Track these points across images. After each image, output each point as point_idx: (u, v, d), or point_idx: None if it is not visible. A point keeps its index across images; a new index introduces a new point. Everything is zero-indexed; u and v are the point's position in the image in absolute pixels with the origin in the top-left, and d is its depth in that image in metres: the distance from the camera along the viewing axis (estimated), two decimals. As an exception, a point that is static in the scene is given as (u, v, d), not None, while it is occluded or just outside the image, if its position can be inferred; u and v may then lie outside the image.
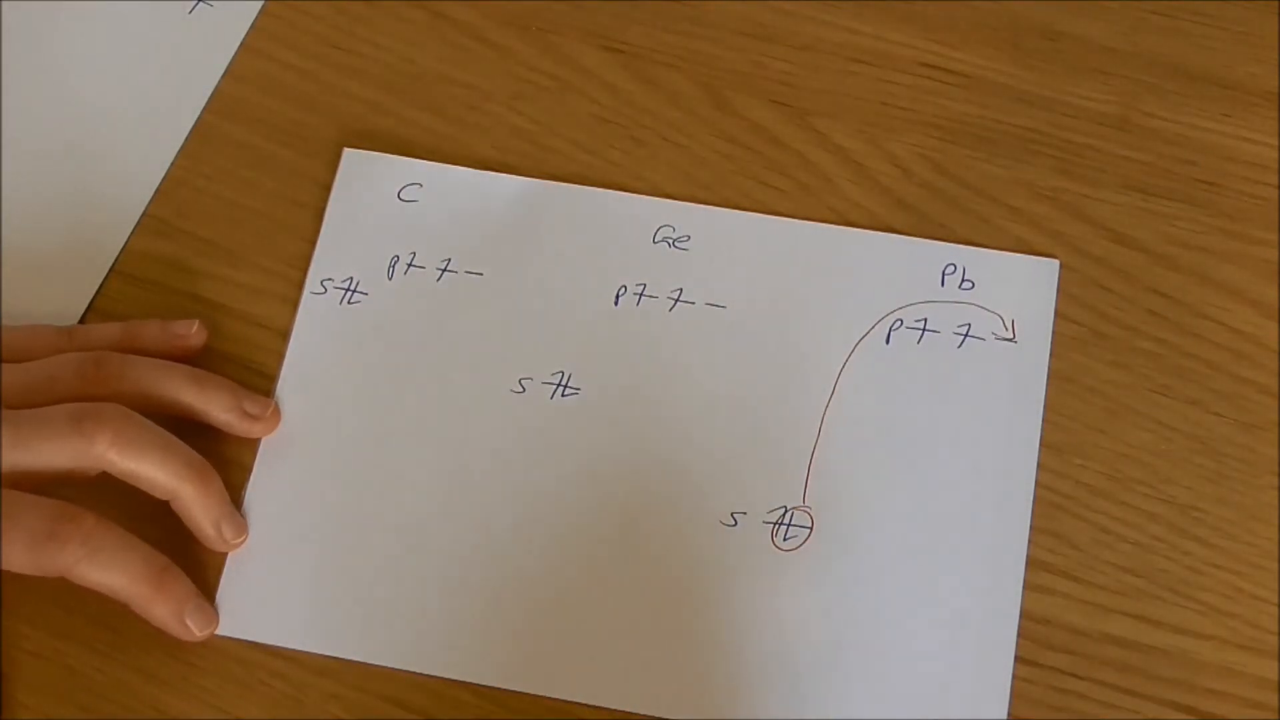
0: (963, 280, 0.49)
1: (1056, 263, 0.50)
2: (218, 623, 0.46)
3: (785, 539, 0.46)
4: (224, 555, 0.47)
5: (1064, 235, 0.50)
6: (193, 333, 0.49)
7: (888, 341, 0.49)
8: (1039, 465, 0.47)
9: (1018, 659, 0.44)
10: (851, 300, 0.49)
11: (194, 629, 0.45)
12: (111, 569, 0.44)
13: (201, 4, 0.57)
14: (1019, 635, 0.44)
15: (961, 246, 0.50)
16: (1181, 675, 0.44)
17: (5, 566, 0.44)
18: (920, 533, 0.46)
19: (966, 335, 0.49)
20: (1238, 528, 0.46)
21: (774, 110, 0.53)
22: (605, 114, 0.54)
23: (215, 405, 0.47)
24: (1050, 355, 0.48)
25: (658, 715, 0.44)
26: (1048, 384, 0.48)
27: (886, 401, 0.48)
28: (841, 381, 0.48)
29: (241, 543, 0.47)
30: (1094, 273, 0.50)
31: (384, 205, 0.52)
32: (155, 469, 0.45)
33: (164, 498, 0.45)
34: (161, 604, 0.44)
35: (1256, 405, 0.47)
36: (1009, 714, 0.44)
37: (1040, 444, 0.47)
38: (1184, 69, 0.53)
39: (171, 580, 0.45)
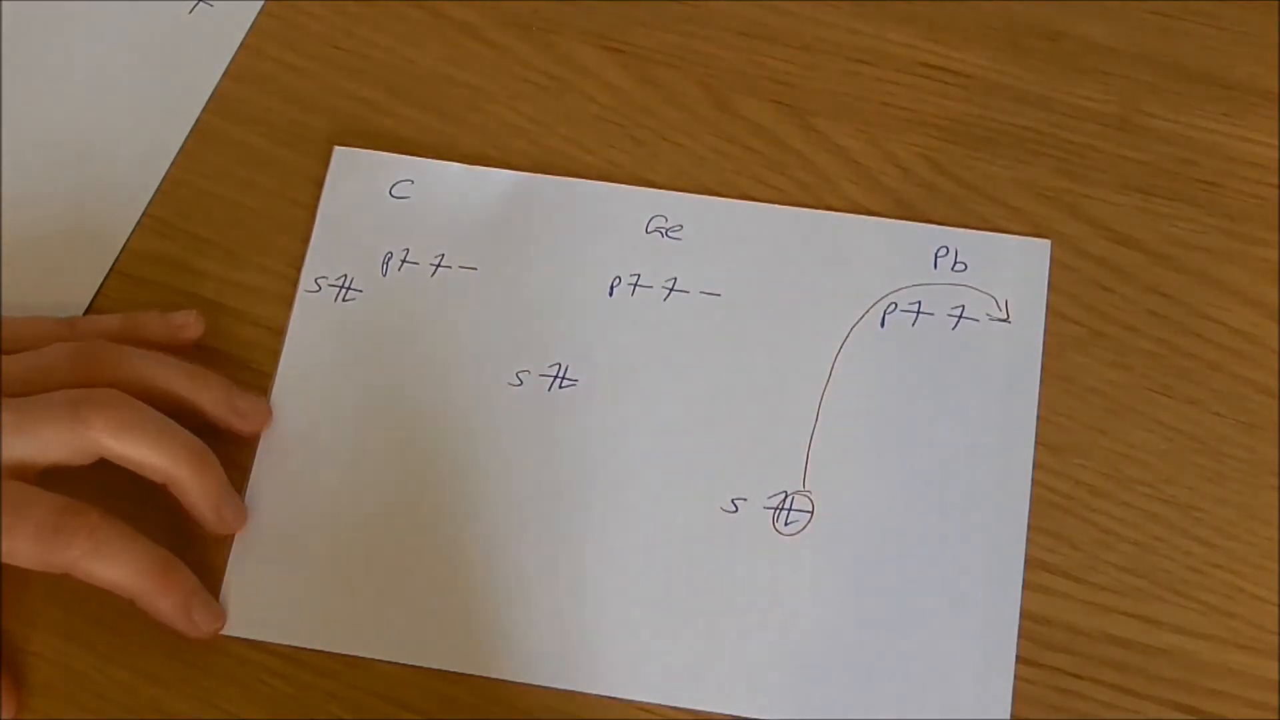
0: (955, 262, 0.50)
1: (1048, 243, 0.50)
2: (224, 619, 0.46)
3: (786, 524, 0.46)
4: (227, 554, 0.47)
5: (1064, 235, 0.50)
6: (191, 322, 0.49)
7: (882, 325, 0.49)
8: (1037, 465, 0.47)
9: (1018, 659, 0.44)
10: (845, 285, 0.49)
11: (200, 624, 0.45)
12: (116, 564, 0.44)
13: (201, 4, 0.57)
14: (1019, 635, 0.44)
15: (953, 229, 0.50)
16: (1181, 675, 0.44)
17: (10, 561, 0.44)
18: (921, 514, 0.46)
19: (961, 316, 0.49)
20: (1238, 528, 0.46)
21: (774, 110, 0.53)
22: (605, 114, 0.54)
23: (207, 399, 0.47)
24: (1046, 351, 0.48)
25: (661, 703, 0.44)
26: (1047, 384, 0.48)
27: (883, 384, 0.48)
28: (838, 365, 0.48)
29: (242, 526, 0.47)
30: (1094, 273, 0.50)
31: (376, 202, 0.52)
32: (152, 453, 0.45)
33: (161, 481, 0.45)
34: (166, 598, 0.44)
35: (1256, 405, 0.47)
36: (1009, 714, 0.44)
37: (1039, 444, 0.47)
38: (1184, 69, 0.53)
39: (177, 575, 0.45)
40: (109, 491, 0.45)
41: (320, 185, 0.53)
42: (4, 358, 0.47)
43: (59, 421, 0.44)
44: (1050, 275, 0.49)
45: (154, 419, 0.45)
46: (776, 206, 0.51)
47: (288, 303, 0.51)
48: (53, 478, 0.45)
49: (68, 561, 0.43)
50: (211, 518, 0.46)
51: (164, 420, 0.45)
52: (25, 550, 0.43)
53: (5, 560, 0.44)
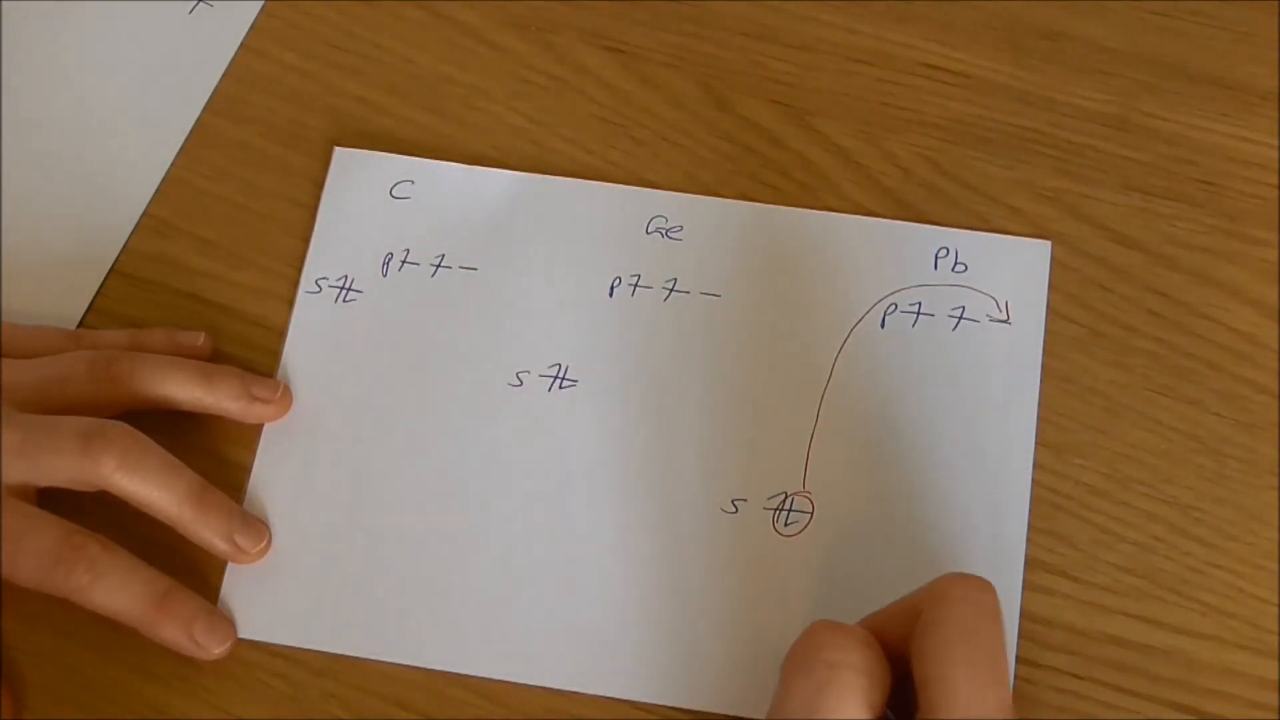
0: (955, 263, 0.50)
1: (1048, 244, 0.50)
2: (234, 637, 0.45)
3: (786, 525, 0.46)
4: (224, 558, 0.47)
5: (1064, 235, 0.50)
6: (199, 345, 0.49)
7: (883, 326, 0.49)
8: (1037, 465, 0.47)
9: (1018, 659, 0.44)
10: (845, 286, 0.49)
11: (207, 646, 0.45)
12: (116, 595, 0.44)
13: (201, 4, 0.57)
14: (1019, 635, 0.44)
15: (953, 230, 0.50)
16: (1181, 675, 0.44)
17: (11, 581, 0.44)
18: (920, 515, 0.46)
19: (961, 317, 0.49)
20: (1238, 528, 0.46)
21: (774, 110, 0.53)
22: (605, 114, 0.54)
23: (225, 396, 0.48)
24: (1046, 351, 0.48)
25: (661, 704, 0.44)
26: (1047, 384, 0.48)
27: (884, 385, 0.48)
28: (838, 366, 0.48)
29: (264, 548, 0.46)
30: (1093, 273, 0.50)
31: (376, 203, 0.52)
32: (157, 493, 0.45)
33: (164, 521, 0.45)
34: (167, 627, 0.44)
35: (1256, 405, 0.47)
36: (1009, 714, 0.44)
37: (1039, 444, 0.47)
38: (1184, 69, 0.53)
39: (177, 603, 0.45)
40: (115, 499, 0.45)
41: (320, 185, 0.53)
42: (19, 364, 0.47)
43: (69, 454, 0.44)
44: (1050, 275, 0.49)
45: (159, 459, 0.45)
46: (776, 206, 0.51)
47: (288, 303, 0.51)
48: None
49: (67, 591, 0.44)
50: (225, 548, 0.46)
51: (169, 460, 0.45)
52: (27, 574, 0.44)
53: (6, 580, 0.44)
